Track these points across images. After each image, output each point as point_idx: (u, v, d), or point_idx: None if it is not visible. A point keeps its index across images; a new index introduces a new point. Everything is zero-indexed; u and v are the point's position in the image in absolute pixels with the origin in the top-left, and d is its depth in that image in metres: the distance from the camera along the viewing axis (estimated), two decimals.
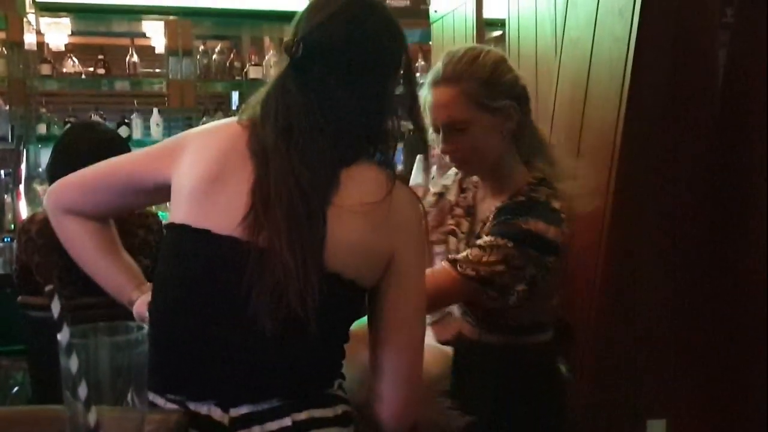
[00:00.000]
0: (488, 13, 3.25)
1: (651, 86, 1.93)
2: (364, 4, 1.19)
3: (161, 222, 2.33)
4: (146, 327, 0.79)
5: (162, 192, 1.23)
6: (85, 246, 1.34)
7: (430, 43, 3.86)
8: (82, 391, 0.73)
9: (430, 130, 1.62)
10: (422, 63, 4.88)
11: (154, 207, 2.73)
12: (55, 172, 2.23)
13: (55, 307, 0.72)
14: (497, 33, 4.30)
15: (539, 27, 2.71)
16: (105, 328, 0.76)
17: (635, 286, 1.96)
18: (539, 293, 1.58)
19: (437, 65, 1.65)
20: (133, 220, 2.22)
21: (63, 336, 0.72)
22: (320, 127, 1.11)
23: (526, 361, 1.70)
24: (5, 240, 3.10)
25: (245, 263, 1.05)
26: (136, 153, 1.36)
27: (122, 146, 2.25)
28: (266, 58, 4.79)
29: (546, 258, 1.55)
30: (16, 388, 2.61)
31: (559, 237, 1.56)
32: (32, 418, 1.05)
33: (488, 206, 1.69)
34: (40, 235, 2.20)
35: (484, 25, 3.26)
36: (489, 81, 1.59)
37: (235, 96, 5.76)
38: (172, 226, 1.16)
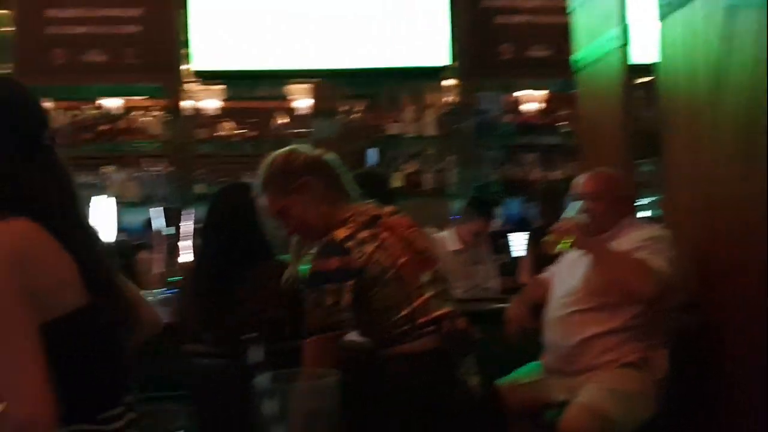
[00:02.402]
0: (637, 59, 3.17)
1: None
2: None
3: None
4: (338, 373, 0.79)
5: None
6: None
7: (576, 91, 3.80)
8: None
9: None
10: (565, 112, 4.81)
11: None
12: (207, 232, 2.40)
13: (256, 354, 0.74)
14: (646, 79, 4.17)
15: (693, 72, 2.60)
16: (300, 374, 0.78)
17: None
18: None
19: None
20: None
21: (262, 380, 0.74)
22: None
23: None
24: (170, 291, 3.31)
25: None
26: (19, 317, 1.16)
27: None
28: (405, 114, 4.89)
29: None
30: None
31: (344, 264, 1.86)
32: None
33: None
34: (189, 281, 2.45)
35: (631, 71, 3.18)
36: (283, 172, 2.00)
37: (371, 153, 5.91)
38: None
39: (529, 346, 2.64)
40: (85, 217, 1.31)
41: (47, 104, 4.86)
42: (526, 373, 2.67)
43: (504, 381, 2.67)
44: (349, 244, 1.88)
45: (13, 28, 4.74)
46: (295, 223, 2.02)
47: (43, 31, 4.72)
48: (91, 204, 3.41)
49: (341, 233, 1.90)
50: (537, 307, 2.67)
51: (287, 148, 2.12)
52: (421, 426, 1.81)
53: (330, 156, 2.09)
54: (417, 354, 1.89)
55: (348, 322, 1.88)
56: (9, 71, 4.70)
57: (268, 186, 2.04)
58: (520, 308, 2.69)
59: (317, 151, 2.09)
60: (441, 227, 3.98)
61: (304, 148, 2.11)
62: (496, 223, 4.32)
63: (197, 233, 3.19)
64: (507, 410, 2.58)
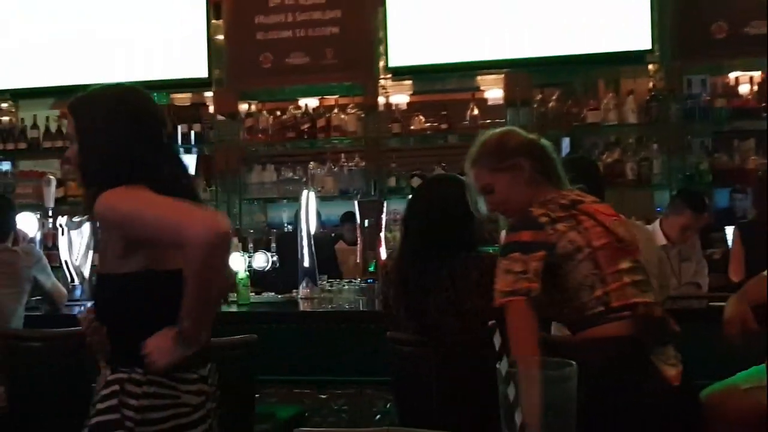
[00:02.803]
0: None
1: None
2: None
3: None
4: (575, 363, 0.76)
5: None
6: None
7: None
8: (518, 418, 0.73)
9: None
10: None
11: None
12: (410, 223, 2.43)
13: (497, 340, 0.73)
14: None
15: None
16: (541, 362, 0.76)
17: None
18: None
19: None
20: None
21: (502, 366, 0.73)
22: None
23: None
24: (368, 281, 3.43)
25: None
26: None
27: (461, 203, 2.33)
28: (604, 101, 4.68)
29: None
30: (378, 416, 2.83)
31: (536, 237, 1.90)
32: None
33: None
34: (392, 271, 2.46)
35: None
36: (496, 151, 2.05)
37: (565, 142, 5.72)
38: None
39: (751, 348, 2.43)
40: (196, 194, 1.65)
41: (253, 106, 5.23)
42: (748, 377, 2.45)
43: (722, 385, 2.47)
44: (543, 219, 1.93)
45: (226, 36, 5.14)
46: (498, 200, 2.07)
47: (253, 37, 5.06)
48: (301, 198, 3.61)
49: (537, 210, 1.95)
50: (760, 307, 2.44)
51: (504, 128, 2.22)
52: (610, 411, 1.76)
53: (545, 142, 2.12)
54: (610, 338, 1.87)
55: (535, 291, 1.88)
56: (222, 77, 5.11)
57: (477, 161, 2.11)
58: (742, 308, 2.46)
59: (533, 135, 2.14)
60: (645, 220, 3.76)
61: (520, 130, 2.17)
62: (707, 217, 4.01)
63: (396, 224, 3.28)
64: (723, 416, 2.39)
